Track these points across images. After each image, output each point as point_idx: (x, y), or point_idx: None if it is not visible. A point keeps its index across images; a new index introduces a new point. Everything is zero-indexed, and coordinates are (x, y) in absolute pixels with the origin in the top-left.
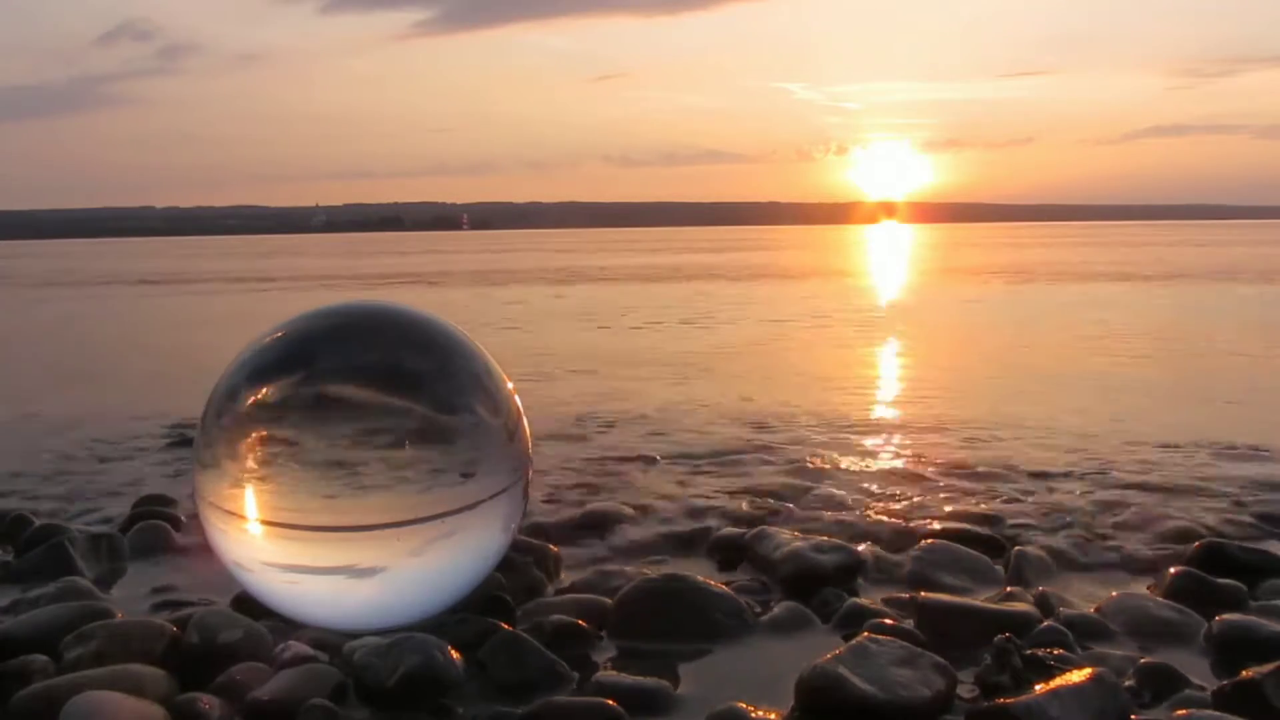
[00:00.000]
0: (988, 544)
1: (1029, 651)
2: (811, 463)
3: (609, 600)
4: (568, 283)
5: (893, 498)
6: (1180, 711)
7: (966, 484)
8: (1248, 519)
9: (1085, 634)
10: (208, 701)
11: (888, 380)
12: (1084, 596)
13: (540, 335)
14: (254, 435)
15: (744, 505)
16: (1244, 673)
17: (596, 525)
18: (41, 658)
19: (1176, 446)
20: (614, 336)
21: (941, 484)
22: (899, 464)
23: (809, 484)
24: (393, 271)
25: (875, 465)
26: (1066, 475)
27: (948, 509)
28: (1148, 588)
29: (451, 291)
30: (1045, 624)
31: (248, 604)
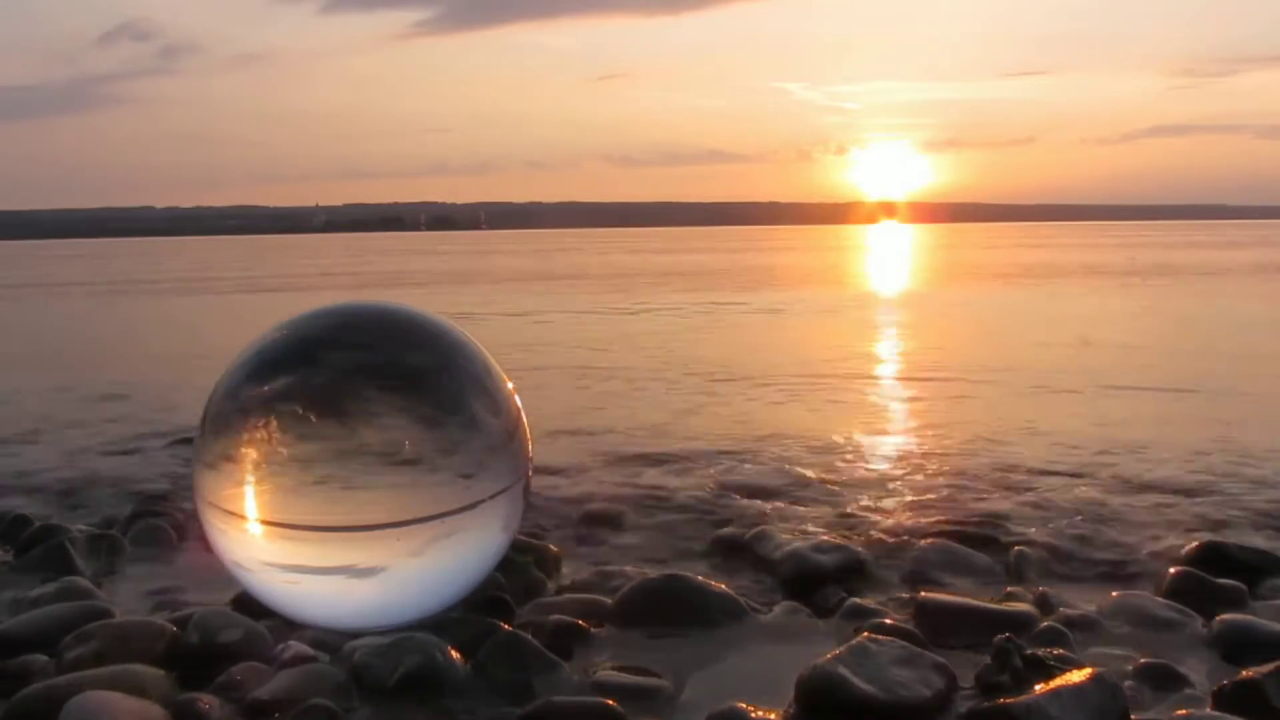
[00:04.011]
0: (987, 544)
1: (1029, 651)
2: (812, 461)
3: (609, 600)
4: None
5: (893, 497)
6: (1180, 711)
7: (967, 483)
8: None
9: (1085, 634)
10: (208, 701)
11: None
12: (1084, 596)
13: None
14: (254, 435)
15: (743, 503)
16: (1244, 673)
17: (597, 524)
18: (41, 658)
19: (1180, 447)
20: None
21: (942, 483)
22: (901, 462)
23: (809, 483)
24: None
25: (876, 464)
26: (1068, 474)
27: (948, 508)
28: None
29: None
30: (1045, 624)
31: (248, 604)
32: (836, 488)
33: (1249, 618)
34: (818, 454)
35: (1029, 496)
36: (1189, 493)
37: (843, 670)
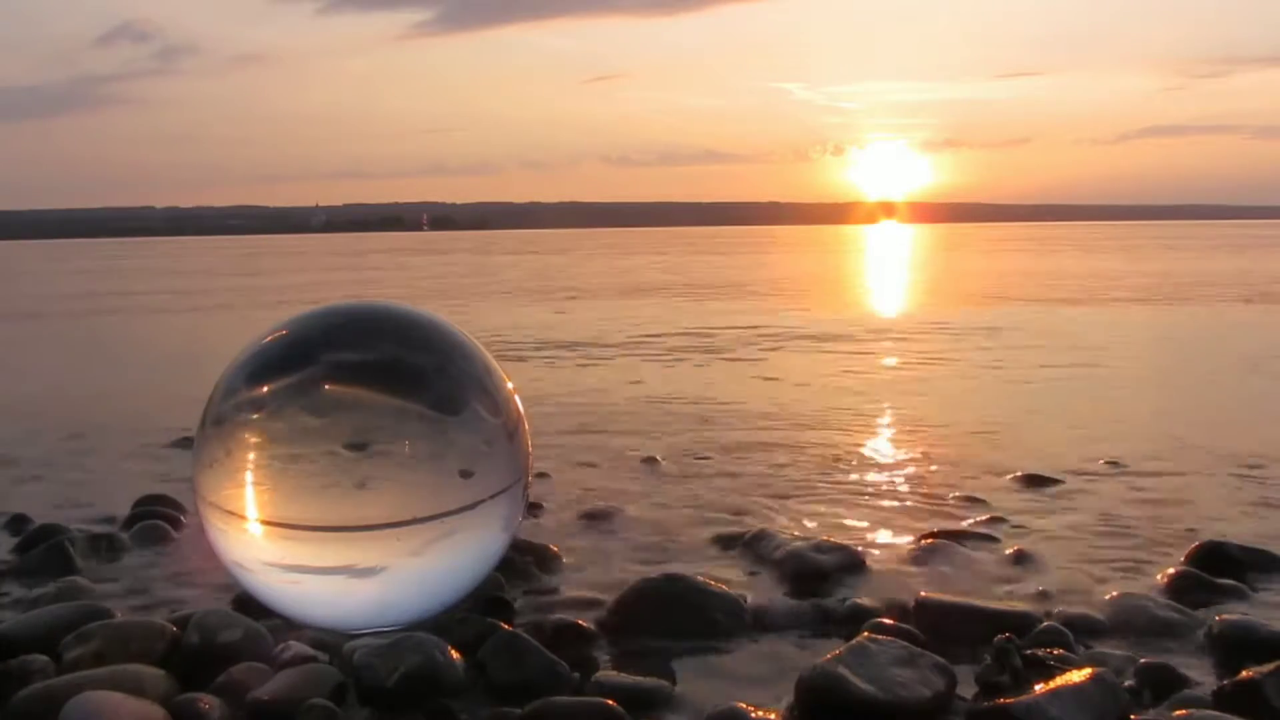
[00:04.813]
0: (988, 544)
1: (1029, 651)
2: (813, 460)
3: (609, 600)
4: None
5: (893, 496)
6: (1180, 711)
7: (967, 483)
8: (1251, 516)
9: (1085, 634)
10: (208, 701)
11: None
12: (1084, 596)
13: None
14: (254, 435)
15: (743, 502)
16: (1244, 673)
17: (597, 523)
18: (41, 658)
19: (1181, 448)
20: None
21: (942, 482)
22: (901, 461)
23: (808, 482)
24: None
25: (876, 464)
26: (1068, 474)
27: (948, 507)
28: (1157, 579)
29: None
30: (1045, 624)
31: (248, 604)
32: (836, 487)
33: (1249, 618)
34: (818, 453)
35: (1029, 496)
36: (1190, 492)
37: (843, 670)
